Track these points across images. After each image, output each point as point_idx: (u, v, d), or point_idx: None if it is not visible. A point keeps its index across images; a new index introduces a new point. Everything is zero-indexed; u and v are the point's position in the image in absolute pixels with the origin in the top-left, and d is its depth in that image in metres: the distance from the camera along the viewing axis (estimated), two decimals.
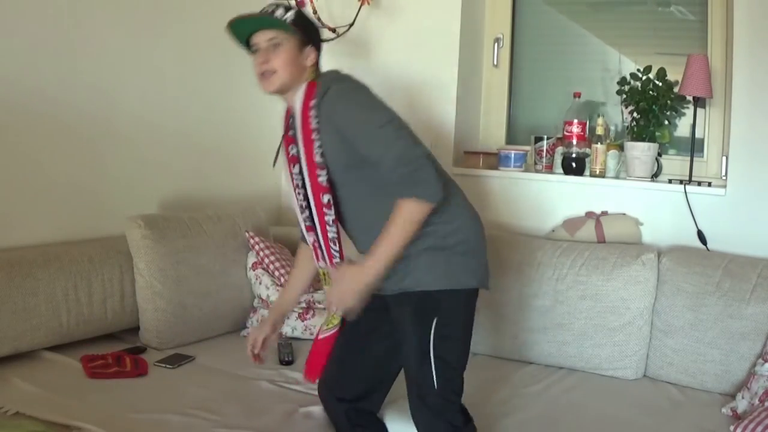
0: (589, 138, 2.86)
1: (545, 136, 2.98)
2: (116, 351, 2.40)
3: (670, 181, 2.72)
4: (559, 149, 2.95)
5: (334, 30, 3.21)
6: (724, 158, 2.68)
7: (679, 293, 2.41)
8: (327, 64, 3.34)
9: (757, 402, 2.07)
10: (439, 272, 1.81)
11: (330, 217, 1.87)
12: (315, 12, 3.20)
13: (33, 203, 2.51)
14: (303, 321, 2.70)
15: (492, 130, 3.28)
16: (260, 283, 2.78)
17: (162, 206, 2.93)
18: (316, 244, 1.93)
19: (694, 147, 2.69)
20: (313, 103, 1.84)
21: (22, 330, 2.26)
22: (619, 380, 2.44)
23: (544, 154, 2.97)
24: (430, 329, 1.79)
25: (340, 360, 1.99)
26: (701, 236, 2.65)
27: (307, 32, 1.93)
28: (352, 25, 3.18)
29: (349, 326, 1.95)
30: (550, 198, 2.91)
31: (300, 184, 1.91)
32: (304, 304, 2.73)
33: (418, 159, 1.73)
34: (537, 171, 2.99)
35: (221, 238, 2.76)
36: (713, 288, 2.36)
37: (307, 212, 1.92)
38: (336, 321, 1.95)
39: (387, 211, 1.74)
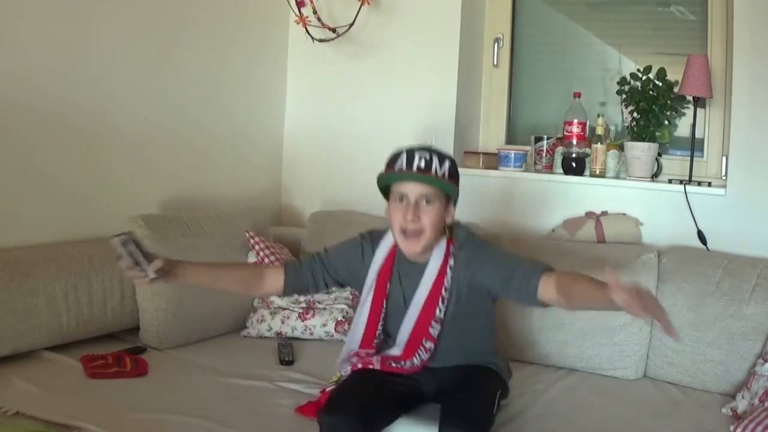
0: (589, 138, 2.86)
1: (545, 136, 2.98)
2: (116, 351, 2.40)
3: (670, 181, 2.72)
4: (559, 149, 2.95)
5: (334, 30, 3.21)
6: (724, 158, 2.68)
7: (679, 293, 2.41)
8: (327, 64, 3.39)
9: (757, 402, 2.06)
10: None
11: (424, 356, 1.94)
12: (315, 12, 3.21)
13: (33, 203, 2.51)
14: (303, 321, 2.70)
15: (492, 130, 3.28)
16: None
17: (162, 206, 2.92)
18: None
19: (694, 147, 2.69)
20: (451, 262, 1.85)
21: (22, 330, 2.26)
22: (619, 380, 2.44)
23: (544, 154, 2.97)
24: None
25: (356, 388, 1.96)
26: (701, 236, 2.65)
27: (456, 188, 1.86)
28: (352, 25, 3.18)
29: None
30: (550, 198, 2.91)
31: (385, 318, 1.97)
32: (304, 304, 2.73)
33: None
34: (537, 171, 2.99)
35: (221, 238, 2.76)
36: (713, 288, 2.36)
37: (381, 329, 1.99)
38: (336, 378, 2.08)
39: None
